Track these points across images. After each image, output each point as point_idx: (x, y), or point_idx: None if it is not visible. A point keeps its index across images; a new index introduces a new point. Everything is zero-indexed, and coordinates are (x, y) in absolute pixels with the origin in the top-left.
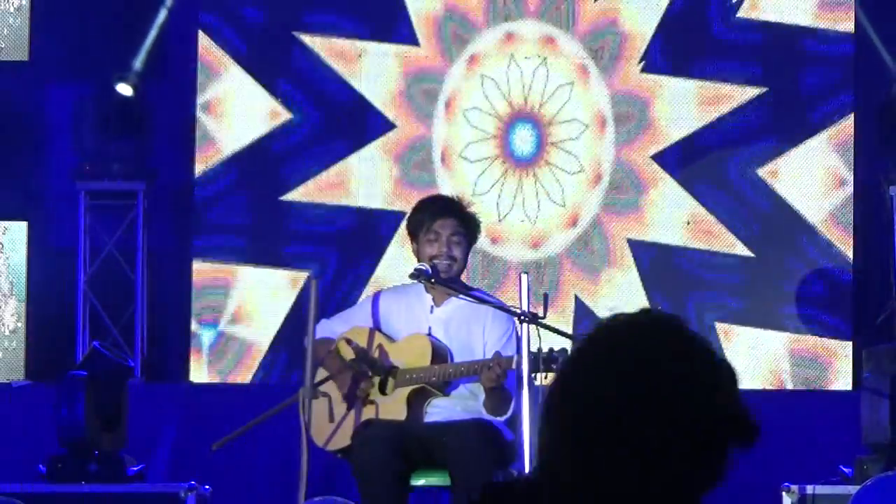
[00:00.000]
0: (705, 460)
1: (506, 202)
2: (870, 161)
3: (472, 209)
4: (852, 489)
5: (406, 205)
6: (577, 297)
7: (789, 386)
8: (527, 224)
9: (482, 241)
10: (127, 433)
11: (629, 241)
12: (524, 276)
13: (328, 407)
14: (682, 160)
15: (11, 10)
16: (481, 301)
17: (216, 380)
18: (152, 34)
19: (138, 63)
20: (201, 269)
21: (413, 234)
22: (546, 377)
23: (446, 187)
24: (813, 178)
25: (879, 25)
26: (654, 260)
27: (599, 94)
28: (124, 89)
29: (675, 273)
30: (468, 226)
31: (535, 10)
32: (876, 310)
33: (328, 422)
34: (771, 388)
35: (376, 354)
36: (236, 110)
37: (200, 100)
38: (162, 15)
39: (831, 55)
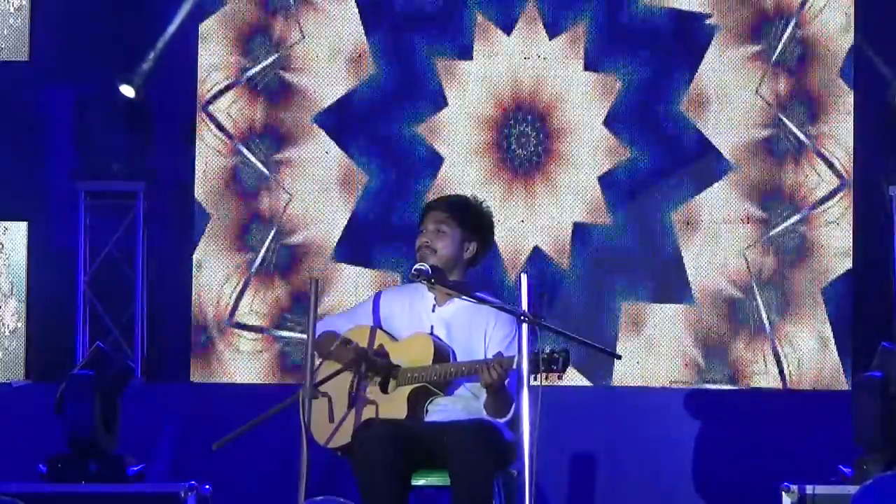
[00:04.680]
0: None
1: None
2: (870, 161)
3: (484, 208)
4: (852, 489)
5: None
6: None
7: (790, 385)
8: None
9: None
10: (120, 434)
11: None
12: (524, 276)
13: (328, 407)
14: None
15: (11, 10)
16: (481, 301)
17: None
18: (164, 38)
19: (145, 66)
20: None
21: None
22: (546, 378)
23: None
24: None
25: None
26: None
27: None
28: (127, 91)
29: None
30: (460, 220)
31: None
32: (876, 310)
33: (328, 422)
34: (771, 388)
35: (377, 354)
36: None
37: None
38: (174, 25)
39: None
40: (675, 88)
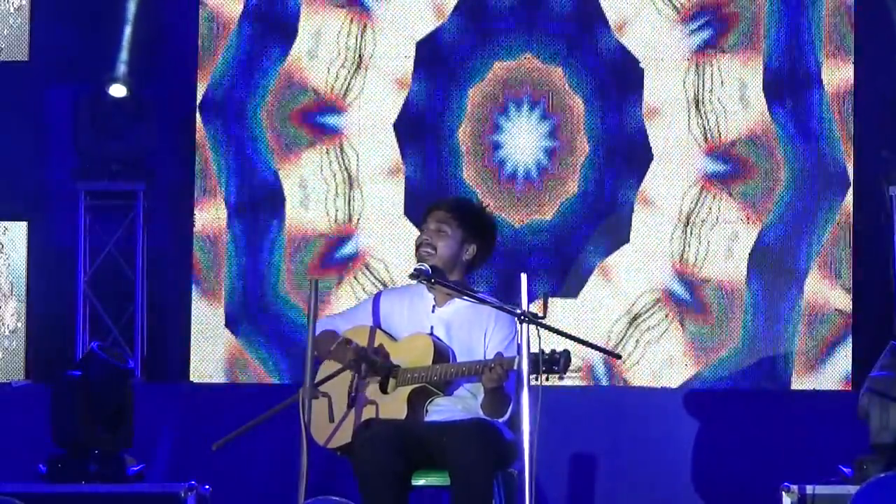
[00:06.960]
0: None
1: None
2: (870, 161)
3: (486, 212)
4: (852, 489)
5: None
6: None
7: (792, 386)
8: None
9: None
10: (133, 434)
11: None
12: (524, 276)
13: (328, 407)
14: None
15: (11, 10)
16: (481, 302)
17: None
18: (127, 31)
19: (122, 60)
20: None
21: None
22: (546, 378)
23: None
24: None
25: None
26: None
27: None
28: (118, 90)
29: None
30: (461, 220)
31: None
32: (876, 310)
33: (328, 422)
34: (771, 388)
35: (377, 353)
36: None
37: None
38: (131, 9)
39: None
40: (631, 106)
